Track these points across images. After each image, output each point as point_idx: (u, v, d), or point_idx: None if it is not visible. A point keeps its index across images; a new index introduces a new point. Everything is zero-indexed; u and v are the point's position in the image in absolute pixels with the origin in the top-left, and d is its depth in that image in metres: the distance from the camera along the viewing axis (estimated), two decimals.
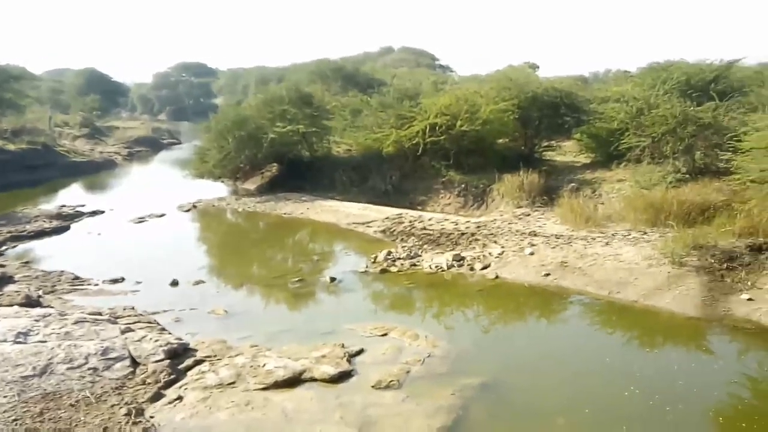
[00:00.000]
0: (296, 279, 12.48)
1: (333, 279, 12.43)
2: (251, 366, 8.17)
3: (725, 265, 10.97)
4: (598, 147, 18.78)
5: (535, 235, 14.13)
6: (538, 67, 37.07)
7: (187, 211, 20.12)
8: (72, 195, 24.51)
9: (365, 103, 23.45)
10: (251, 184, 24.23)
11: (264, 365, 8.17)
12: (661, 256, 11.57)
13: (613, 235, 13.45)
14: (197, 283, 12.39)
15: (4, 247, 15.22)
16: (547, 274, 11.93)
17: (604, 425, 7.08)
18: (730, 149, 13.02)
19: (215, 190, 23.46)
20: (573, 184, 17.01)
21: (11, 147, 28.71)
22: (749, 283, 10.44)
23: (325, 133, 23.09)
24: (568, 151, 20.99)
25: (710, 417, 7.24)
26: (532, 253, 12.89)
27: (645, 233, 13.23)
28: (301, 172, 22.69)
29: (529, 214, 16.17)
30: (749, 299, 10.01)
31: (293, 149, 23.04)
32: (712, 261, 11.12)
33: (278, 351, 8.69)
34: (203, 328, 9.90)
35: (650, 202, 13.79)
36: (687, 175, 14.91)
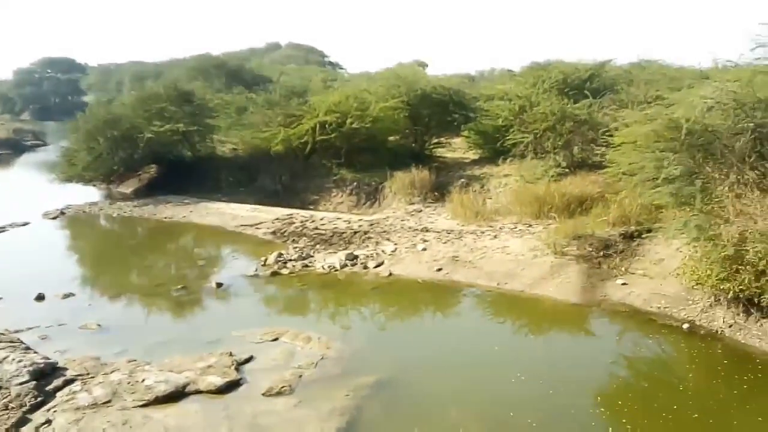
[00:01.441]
0: (179, 287, 11.74)
1: (220, 285, 11.80)
2: (129, 382, 7.64)
3: (602, 253, 11.61)
4: (485, 143, 19.33)
5: (427, 230, 14.26)
6: (426, 66, 37.83)
7: (55, 218, 18.44)
8: None
9: (251, 101, 22.76)
10: (127, 188, 22.66)
11: (143, 380, 7.66)
12: (545, 247, 12.05)
13: (500, 228, 13.84)
14: (66, 296, 11.32)
15: None
16: (440, 269, 12.05)
17: (493, 413, 7.19)
18: (604, 144, 13.81)
19: (86, 194, 21.64)
20: (462, 180, 17.38)
21: None
22: (623, 269, 11.11)
23: (208, 132, 22.13)
24: (457, 148, 21.46)
25: (591, 397, 7.59)
26: (424, 249, 12.96)
27: (530, 225, 13.73)
28: (183, 173, 21.44)
29: (421, 211, 16.33)
30: (624, 284, 10.66)
31: (173, 149, 21.81)
32: (590, 249, 11.73)
33: (159, 364, 8.15)
34: (74, 344, 9.09)
35: (534, 195, 14.33)
36: (567, 169, 15.70)
